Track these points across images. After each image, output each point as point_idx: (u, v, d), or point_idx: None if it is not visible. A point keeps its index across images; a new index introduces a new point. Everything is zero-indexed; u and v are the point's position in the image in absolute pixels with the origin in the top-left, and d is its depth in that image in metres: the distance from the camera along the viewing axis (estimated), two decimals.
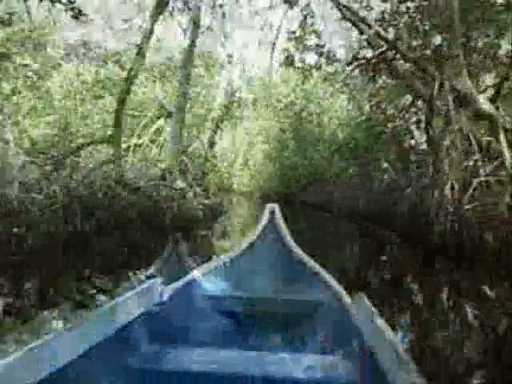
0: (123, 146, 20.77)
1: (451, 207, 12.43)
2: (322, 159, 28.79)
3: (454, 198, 12.46)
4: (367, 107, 23.57)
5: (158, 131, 22.78)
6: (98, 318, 2.69)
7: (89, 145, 16.56)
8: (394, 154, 21.54)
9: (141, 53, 15.56)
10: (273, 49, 19.31)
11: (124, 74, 27.35)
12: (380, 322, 2.64)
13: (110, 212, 13.35)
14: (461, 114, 13.05)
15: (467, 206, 11.93)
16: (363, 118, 23.06)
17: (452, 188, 12.66)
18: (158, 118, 22.82)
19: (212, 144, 29.37)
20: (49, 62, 23.60)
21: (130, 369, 2.82)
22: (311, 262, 4.68)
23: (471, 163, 12.89)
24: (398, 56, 15.17)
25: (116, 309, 2.87)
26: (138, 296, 3.17)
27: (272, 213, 5.45)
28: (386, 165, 22.42)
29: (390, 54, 15.04)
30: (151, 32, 15.79)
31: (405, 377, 2.08)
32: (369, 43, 14.89)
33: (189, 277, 4.15)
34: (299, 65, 21.09)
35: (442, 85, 13.18)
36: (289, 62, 21.13)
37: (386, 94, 22.00)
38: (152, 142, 22.14)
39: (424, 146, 20.67)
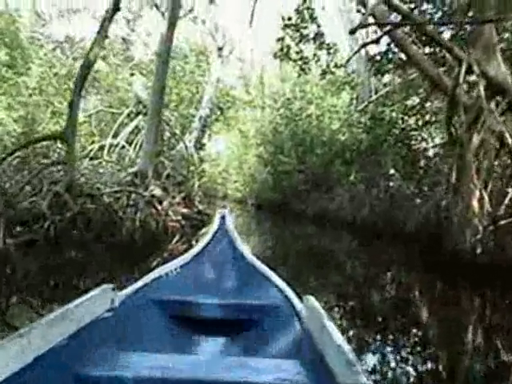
0: (95, 146, 18.65)
1: (480, 223, 9.95)
2: (321, 164, 26.36)
3: (485, 212, 9.95)
4: (372, 106, 21.09)
5: (137, 129, 20.23)
6: (47, 325, 2.48)
7: (36, 142, 14.03)
8: (401, 159, 19.01)
9: (101, 33, 12.96)
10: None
11: (108, 69, 25.99)
12: (330, 324, 2.60)
13: (54, 225, 11.19)
14: (493, 106, 10.48)
15: (502, 222, 9.90)
16: (367, 117, 20.48)
17: (481, 199, 10.14)
18: (137, 114, 20.29)
19: (201, 146, 27.15)
20: (28, 57, 22.44)
21: (81, 375, 2.64)
22: (263, 266, 4.63)
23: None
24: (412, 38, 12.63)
25: (66, 315, 2.67)
26: (89, 302, 2.95)
27: (223, 218, 5.67)
28: (392, 170, 19.93)
29: (401, 33, 12.39)
30: (115, 10, 13.17)
31: (354, 379, 2.01)
32: (374, 17, 12.10)
33: (140, 282, 3.91)
34: (295, 57, 18.71)
35: (469, 70, 10.56)
36: (284, 53, 18.71)
37: (393, 91, 19.58)
38: (129, 142, 19.54)
39: (433, 152, 18.51)
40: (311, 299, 3.03)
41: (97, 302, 3.10)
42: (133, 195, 13.98)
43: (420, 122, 18.61)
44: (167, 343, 3.72)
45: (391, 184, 20.02)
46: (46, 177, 12.57)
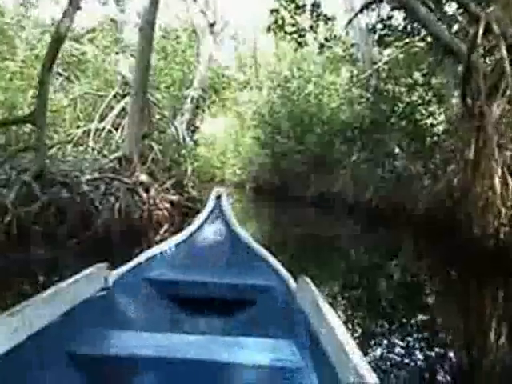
0: (79, 131, 17.62)
1: (503, 205, 8.73)
2: (321, 144, 25.02)
3: (510, 193, 8.74)
4: (373, 81, 19.80)
5: (124, 112, 18.89)
6: (40, 304, 2.52)
7: (1, 126, 12.75)
8: (406, 136, 17.74)
9: (73, 4, 11.59)
10: None
11: (96, 52, 24.78)
12: (324, 304, 2.62)
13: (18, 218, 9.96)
14: None
15: None
16: (370, 92, 19.19)
17: (503, 177, 8.91)
18: (123, 97, 18.93)
19: (194, 128, 25.86)
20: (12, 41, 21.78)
21: (74, 354, 2.67)
22: (258, 247, 4.69)
23: None
24: None
25: (59, 294, 2.71)
26: (82, 281, 3.02)
27: (218, 198, 5.60)
28: (397, 149, 18.66)
29: None
30: None
31: (347, 359, 2.02)
32: None
33: (134, 261, 3.99)
34: (291, 29, 17.61)
35: (487, 28, 9.23)
36: (278, 25, 17.56)
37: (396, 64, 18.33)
38: (116, 126, 18.21)
39: (442, 127, 17.26)
40: (306, 280, 3.06)
41: (90, 280, 3.13)
42: (115, 182, 12.69)
43: (428, 96, 17.31)
44: (161, 322, 3.74)
45: (396, 163, 18.68)
46: (14, 166, 11.32)
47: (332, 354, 2.25)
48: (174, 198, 15.14)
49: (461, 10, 12.38)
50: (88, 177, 12.39)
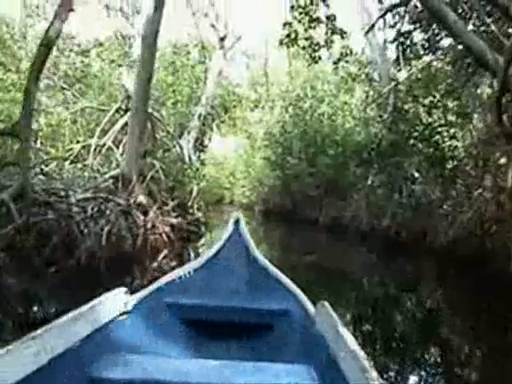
0: (78, 146, 16.46)
1: None
2: (334, 166, 23.89)
3: None
4: (391, 100, 18.68)
5: (127, 128, 17.82)
6: (61, 327, 2.55)
7: None
8: (426, 160, 16.57)
9: (65, 5, 10.52)
10: None
11: (103, 66, 24.00)
12: (343, 330, 2.61)
13: None
14: None
15: None
16: (388, 111, 18.06)
17: None
18: (126, 111, 17.88)
19: (202, 147, 24.80)
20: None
21: (94, 379, 2.68)
22: (276, 271, 4.62)
23: None
24: None
25: (79, 318, 2.74)
26: (102, 305, 3.03)
27: (236, 222, 5.69)
28: (416, 173, 17.52)
29: None
30: None
31: None
32: None
33: (153, 285, 3.97)
34: (304, 43, 16.56)
35: None
36: (291, 39, 16.53)
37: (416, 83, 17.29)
38: (118, 142, 17.10)
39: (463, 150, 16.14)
40: (325, 305, 3.03)
41: (110, 304, 3.13)
42: (108, 203, 11.55)
43: (450, 117, 16.16)
44: (180, 347, 3.72)
45: (415, 188, 17.51)
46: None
47: (351, 379, 2.23)
48: (175, 221, 14.00)
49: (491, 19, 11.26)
50: (81, 196, 11.30)
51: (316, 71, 28.69)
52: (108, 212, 11.29)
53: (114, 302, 3.20)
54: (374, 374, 2.04)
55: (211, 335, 3.97)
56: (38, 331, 2.36)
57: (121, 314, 3.27)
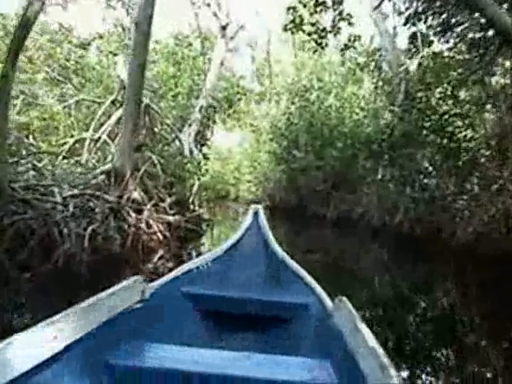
0: (71, 140, 15.51)
1: None
2: (343, 159, 23.02)
3: None
4: (403, 87, 17.74)
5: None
6: (78, 314, 2.57)
7: None
8: (439, 152, 15.70)
9: None
10: None
11: (102, 58, 23.28)
12: (362, 326, 2.58)
13: None
14: None
15: None
16: (399, 101, 17.12)
17: None
18: (122, 103, 16.97)
19: (204, 142, 23.91)
20: None
21: (111, 365, 2.71)
22: (294, 264, 4.60)
23: None
24: None
25: (97, 305, 2.74)
26: (120, 292, 3.04)
27: (256, 214, 5.72)
28: (429, 166, 16.76)
29: None
30: None
31: (385, 382, 2.01)
32: None
33: (171, 274, 3.97)
34: (310, 29, 15.72)
35: None
36: (296, 24, 15.72)
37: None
38: (112, 136, 16.17)
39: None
40: (343, 300, 3.00)
41: (127, 292, 3.14)
42: (97, 201, 10.62)
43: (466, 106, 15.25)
44: (196, 337, 3.78)
45: (428, 182, 16.65)
46: None
47: (369, 375, 2.21)
48: (172, 218, 13.05)
49: None
50: (68, 193, 10.37)
51: (323, 62, 28.05)
52: (97, 210, 10.36)
53: (131, 290, 3.18)
54: (393, 371, 2.01)
55: (227, 326, 3.99)
56: (56, 316, 2.36)
57: (138, 302, 3.24)
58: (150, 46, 14.14)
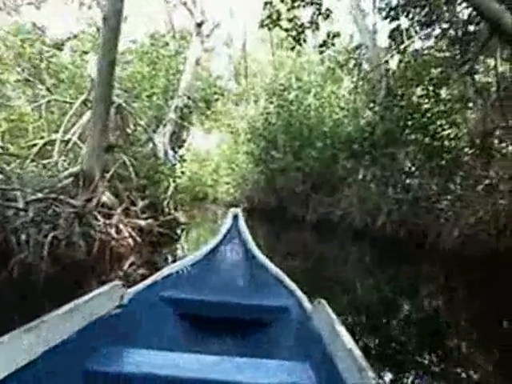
0: (40, 142, 14.67)
1: None
2: (322, 159, 22.49)
3: None
4: (383, 84, 17.31)
5: None
6: (56, 320, 2.50)
7: None
8: (423, 151, 15.45)
9: None
10: None
11: (75, 58, 22.71)
12: (341, 329, 2.57)
13: None
14: None
15: None
16: (381, 98, 16.67)
17: None
18: None
19: (180, 143, 23.42)
20: None
21: (89, 371, 2.69)
22: (273, 267, 4.60)
23: None
24: None
25: (75, 310, 2.70)
26: (98, 298, 3.01)
27: (235, 217, 5.68)
28: (412, 166, 16.66)
29: None
30: None
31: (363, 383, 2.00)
32: None
33: (150, 279, 3.95)
34: (287, 25, 15.48)
35: None
36: (273, 20, 15.39)
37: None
38: (83, 138, 15.50)
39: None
40: (322, 302, 3.01)
41: (106, 298, 3.11)
42: (62, 205, 9.94)
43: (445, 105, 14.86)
44: (176, 342, 3.74)
45: (411, 182, 16.29)
46: None
47: (348, 378, 2.21)
48: (144, 223, 12.45)
49: None
50: (32, 197, 9.69)
51: (301, 61, 27.83)
52: (63, 215, 9.71)
53: (109, 296, 3.13)
54: (371, 373, 2.00)
55: (207, 330, 4.00)
56: (33, 323, 2.30)
57: (116, 308, 3.18)
58: (120, 44, 13.53)
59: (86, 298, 2.85)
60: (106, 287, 3.12)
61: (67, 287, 7.42)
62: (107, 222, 10.89)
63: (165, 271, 4.26)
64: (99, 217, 10.71)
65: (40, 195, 9.99)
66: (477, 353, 6.07)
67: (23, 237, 8.21)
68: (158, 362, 2.80)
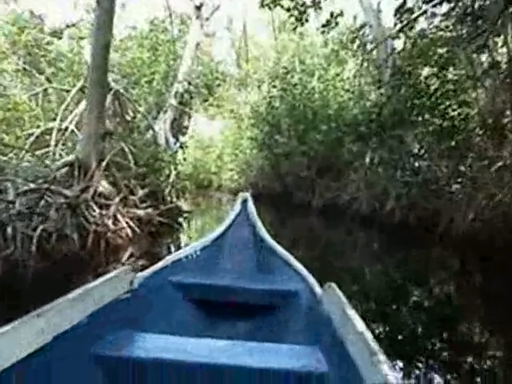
0: (38, 131, 14.35)
1: None
2: (327, 143, 22.03)
3: None
4: (390, 62, 16.84)
5: None
6: (66, 305, 2.51)
7: None
8: (431, 132, 15.05)
9: None
10: None
11: (73, 46, 22.31)
12: (352, 312, 2.52)
13: None
14: None
15: None
16: (389, 74, 16.22)
17: None
18: None
19: (182, 129, 22.96)
20: None
21: (99, 355, 2.67)
22: (284, 252, 4.57)
23: None
24: None
25: (85, 295, 2.71)
26: (108, 282, 3.02)
27: (244, 202, 5.62)
28: (421, 148, 16.22)
29: None
30: None
31: (375, 368, 1.94)
32: None
33: (160, 264, 3.97)
34: (289, 4, 14.83)
35: None
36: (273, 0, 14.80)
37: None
38: (81, 126, 15.04)
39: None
40: (332, 286, 2.98)
41: (116, 282, 3.13)
42: (54, 196, 9.45)
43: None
44: (185, 326, 3.75)
45: (420, 165, 15.80)
46: None
47: (358, 361, 2.16)
48: (143, 212, 11.98)
49: None
50: (25, 188, 9.20)
51: (305, 44, 27.56)
52: (54, 206, 9.22)
53: (119, 280, 3.12)
54: (382, 357, 1.96)
55: (216, 315, 3.97)
56: (43, 308, 2.29)
57: (126, 292, 3.18)
58: (119, 31, 13.06)
59: (96, 282, 2.86)
60: (116, 272, 3.15)
61: (57, 283, 6.94)
62: (103, 212, 10.49)
63: (175, 256, 4.29)
64: (95, 207, 10.33)
65: (32, 186, 9.53)
66: (492, 338, 6.00)
67: (9, 230, 7.67)
68: (167, 347, 2.78)
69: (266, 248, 4.89)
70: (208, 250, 4.77)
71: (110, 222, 10.45)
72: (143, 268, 3.66)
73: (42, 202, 9.27)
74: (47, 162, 12.22)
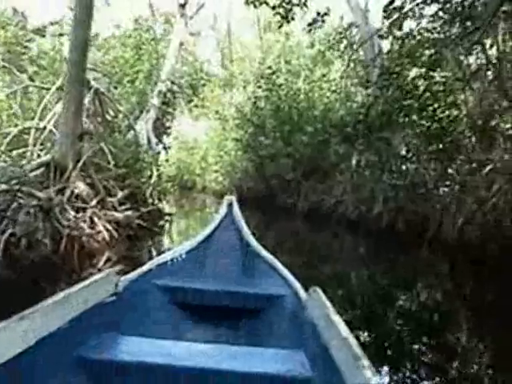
0: (15, 130, 13.91)
1: None
2: (313, 144, 21.73)
3: None
4: (377, 62, 16.59)
5: None
6: (50, 308, 2.48)
7: None
8: (419, 134, 14.92)
9: None
10: None
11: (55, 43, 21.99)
12: (336, 317, 2.56)
13: None
14: None
15: None
16: (377, 74, 15.97)
17: None
18: None
19: (165, 130, 22.61)
20: None
21: (83, 359, 2.68)
22: (269, 256, 4.61)
23: None
24: None
25: (69, 298, 2.68)
26: (93, 286, 3.02)
27: (230, 205, 5.63)
28: (409, 150, 15.99)
29: None
30: None
31: (359, 372, 1.96)
32: None
33: (145, 267, 3.97)
34: (274, 2, 14.54)
35: None
36: None
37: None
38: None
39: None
40: (317, 290, 3.01)
41: (100, 286, 3.12)
42: (25, 198, 9.09)
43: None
44: (170, 329, 3.76)
45: (409, 167, 15.66)
46: None
47: (342, 366, 2.19)
48: (121, 215, 11.58)
49: None
50: None
51: (290, 44, 27.47)
52: (25, 209, 8.84)
53: (104, 283, 3.10)
54: (366, 362, 1.98)
55: (201, 318, 3.98)
56: (26, 311, 2.27)
57: (111, 295, 3.16)
58: (103, 30, 12.72)
59: (80, 285, 2.82)
60: (100, 275, 3.12)
61: (23, 290, 6.55)
62: (79, 215, 10.11)
63: (160, 259, 4.27)
64: (70, 210, 9.91)
65: (4, 186, 9.15)
66: (477, 344, 6.08)
67: None
68: (151, 350, 2.78)
69: (252, 252, 4.89)
70: (193, 253, 4.76)
71: (85, 226, 10.07)
72: (126, 272, 3.58)
73: (14, 205, 8.91)
74: (23, 162, 11.90)
